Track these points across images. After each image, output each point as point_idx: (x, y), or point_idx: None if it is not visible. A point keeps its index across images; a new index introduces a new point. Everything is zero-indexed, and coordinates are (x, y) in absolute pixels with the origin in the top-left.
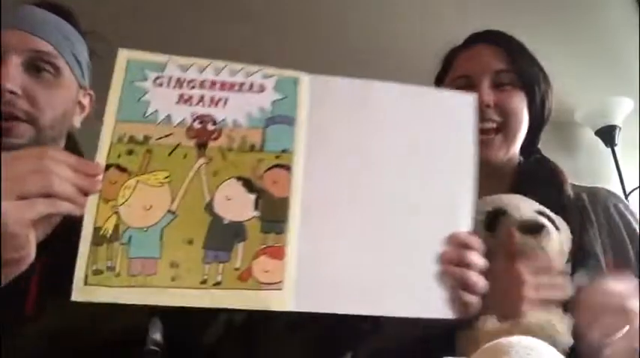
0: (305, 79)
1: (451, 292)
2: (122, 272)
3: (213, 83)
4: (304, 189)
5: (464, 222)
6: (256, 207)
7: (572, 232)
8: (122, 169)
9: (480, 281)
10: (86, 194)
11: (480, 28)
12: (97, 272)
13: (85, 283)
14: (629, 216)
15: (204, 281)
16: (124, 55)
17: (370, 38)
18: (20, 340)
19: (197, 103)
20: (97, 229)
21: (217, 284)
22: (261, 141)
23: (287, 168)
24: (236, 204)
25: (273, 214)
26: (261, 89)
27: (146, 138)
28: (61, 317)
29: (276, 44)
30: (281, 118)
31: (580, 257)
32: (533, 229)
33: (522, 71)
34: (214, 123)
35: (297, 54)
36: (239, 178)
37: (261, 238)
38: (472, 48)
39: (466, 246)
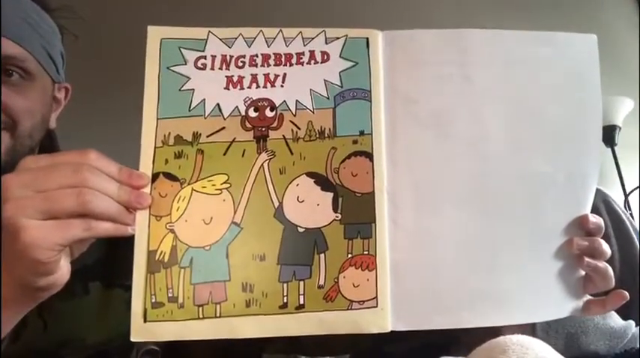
0: (378, 38)
1: (576, 287)
2: (187, 303)
3: (266, 57)
4: (391, 180)
5: (589, 201)
6: (335, 209)
7: None
8: (172, 177)
9: (610, 272)
10: (133, 210)
11: (476, 26)
12: (158, 305)
13: (145, 320)
14: (620, 212)
15: (284, 305)
16: (156, 34)
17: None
18: None
19: (249, 85)
20: (151, 253)
21: (300, 307)
22: (332, 124)
23: (367, 155)
24: (311, 207)
25: (357, 215)
26: (325, 58)
27: (195, 137)
28: (40, 332)
29: None
30: (353, 92)
31: None
32: None
33: None
34: (273, 108)
35: None
36: (311, 174)
37: (345, 246)
38: None
39: (595, 232)
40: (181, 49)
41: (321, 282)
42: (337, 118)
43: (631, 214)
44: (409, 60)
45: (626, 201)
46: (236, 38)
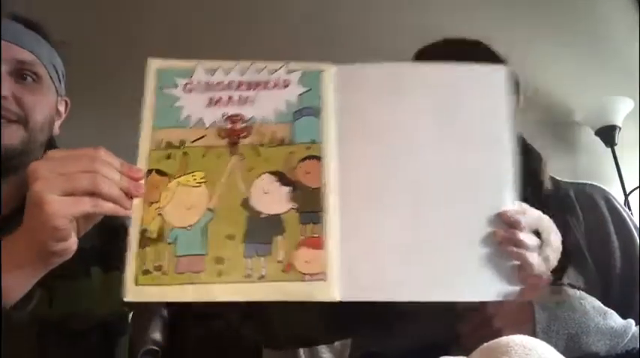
0: (329, 70)
1: (508, 273)
2: (170, 271)
3: (240, 83)
4: (342, 178)
5: (509, 198)
6: (292, 200)
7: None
8: (162, 173)
9: (535, 262)
10: (131, 197)
11: (477, 26)
12: (146, 272)
13: (136, 283)
14: (620, 210)
15: (248, 276)
16: (153, 65)
17: (362, 32)
18: (9, 330)
19: (226, 104)
20: (143, 231)
21: (262, 278)
22: (291, 134)
23: (318, 158)
24: (272, 198)
25: (310, 205)
26: (286, 84)
27: (182, 142)
28: (46, 306)
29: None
30: (307, 110)
31: (565, 255)
32: None
33: None
34: (244, 121)
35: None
36: (273, 172)
37: (299, 230)
38: None
39: (516, 225)
40: (174, 77)
41: (279, 258)
42: (295, 130)
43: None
44: (356, 87)
45: (626, 201)
46: (217, 69)
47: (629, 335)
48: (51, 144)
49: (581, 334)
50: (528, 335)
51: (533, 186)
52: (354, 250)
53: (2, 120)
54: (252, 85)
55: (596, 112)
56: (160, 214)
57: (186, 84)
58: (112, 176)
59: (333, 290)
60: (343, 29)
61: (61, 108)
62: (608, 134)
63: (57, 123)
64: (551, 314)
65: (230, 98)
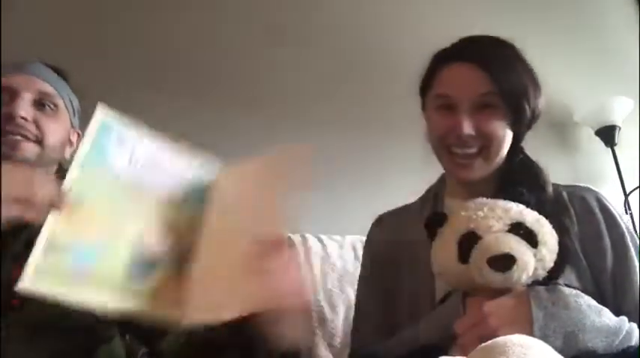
0: (216, 163)
1: (250, 288)
2: (65, 274)
3: (158, 152)
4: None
5: (279, 226)
6: (173, 247)
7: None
8: (79, 199)
9: (274, 283)
10: (53, 209)
11: (478, 26)
12: (45, 270)
13: (34, 274)
14: (612, 210)
15: (127, 290)
16: (101, 113)
17: (365, 36)
18: (8, 328)
19: (142, 164)
20: (51, 239)
21: (136, 295)
22: (183, 200)
23: (197, 223)
24: (158, 240)
25: (183, 254)
26: (190, 165)
27: (100, 181)
28: (44, 306)
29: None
30: (197, 188)
31: (560, 255)
32: (504, 265)
33: (505, 91)
34: (153, 183)
35: (291, 57)
36: (163, 223)
37: (172, 268)
38: (452, 66)
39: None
40: (113, 128)
41: (152, 285)
42: (188, 197)
43: (631, 214)
44: (229, 179)
45: (626, 201)
46: (145, 136)
47: (624, 332)
48: (61, 166)
49: (578, 332)
50: (526, 333)
51: (535, 191)
52: (201, 284)
53: (21, 138)
54: (166, 158)
55: (596, 112)
56: (70, 228)
57: (119, 137)
58: (46, 188)
59: (187, 316)
60: None
61: (74, 139)
62: (608, 134)
63: (68, 150)
64: (548, 312)
65: (147, 160)
